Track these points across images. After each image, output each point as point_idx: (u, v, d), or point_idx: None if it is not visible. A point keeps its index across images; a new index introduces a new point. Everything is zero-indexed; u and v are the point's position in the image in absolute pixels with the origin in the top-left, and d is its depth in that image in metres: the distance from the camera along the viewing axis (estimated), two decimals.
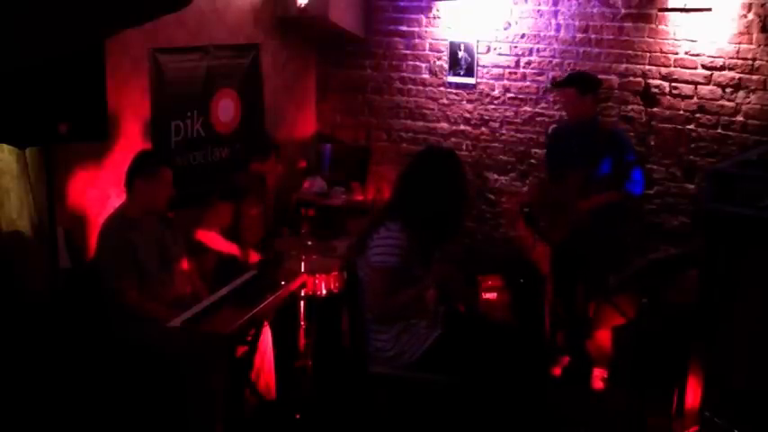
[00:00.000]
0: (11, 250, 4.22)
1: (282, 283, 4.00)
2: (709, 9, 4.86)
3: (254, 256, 4.69)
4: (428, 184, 3.44)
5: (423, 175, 3.49)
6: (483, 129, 6.03)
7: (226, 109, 5.82)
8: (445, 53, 6.07)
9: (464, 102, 6.07)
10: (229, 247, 4.71)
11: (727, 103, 4.93)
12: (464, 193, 3.66)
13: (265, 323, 4.11)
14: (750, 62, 4.79)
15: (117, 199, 4.58)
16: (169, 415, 3.76)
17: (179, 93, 5.43)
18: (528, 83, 5.76)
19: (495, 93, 5.91)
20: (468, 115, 6.08)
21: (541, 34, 5.62)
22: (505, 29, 5.76)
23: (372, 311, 3.46)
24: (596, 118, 4.80)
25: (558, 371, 4.70)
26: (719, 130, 4.98)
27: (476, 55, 5.91)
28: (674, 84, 5.12)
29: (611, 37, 5.32)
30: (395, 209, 3.50)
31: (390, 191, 3.81)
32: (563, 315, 4.88)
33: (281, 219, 5.45)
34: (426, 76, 6.22)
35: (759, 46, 4.74)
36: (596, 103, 4.84)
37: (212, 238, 4.71)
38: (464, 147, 6.10)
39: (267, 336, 4.17)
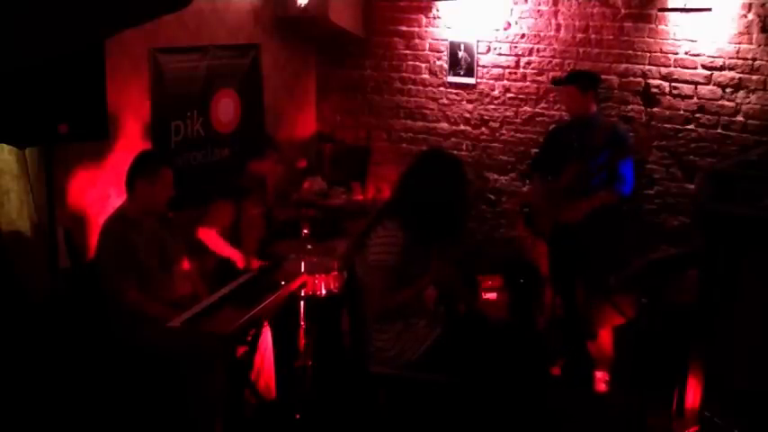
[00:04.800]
0: (11, 250, 4.23)
1: (282, 283, 4.00)
2: (710, 9, 4.86)
3: (256, 263, 4.67)
4: (429, 186, 3.43)
5: (424, 175, 3.48)
6: (483, 129, 6.03)
7: (226, 109, 5.82)
8: (445, 53, 6.07)
9: (464, 102, 6.07)
10: (231, 253, 4.69)
11: (727, 103, 4.93)
12: (465, 198, 3.65)
13: (265, 323, 4.11)
14: (750, 62, 4.79)
15: (117, 199, 4.57)
16: (169, 415, 3.76)
17: (179, 93, 5.43)
18: (528, 83, 5.76)
19: (495, 93, 5.91)
20: (468, 115, 6.07)
21: (541, 34, 5.61)
22: (505, 29, 5.76)
23: (371, 310, 3.47)
24: (598, 114, 4.82)
25: (557, 370, 4.71)
26: (719, 130, 4.98)
27: (476, 55, 5.91)
28: (674, 84, 5.12)
29: (611, 37, 5.32)
30: (394, 208, 3.50)
31: (390, 191, 3.81)
32: (562, 315, 4.89)
33: (281, 219, 5.44)
34: (426, 76, 6.22)
35: (759, 46, 4.74)
36: (597, 99, 4.85)
37: (213, 239, 4.70)
38: (464, 147, 6.10)
39: (267, 336, 4.17)
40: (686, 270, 4.13)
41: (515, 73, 5.80)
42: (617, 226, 4.84)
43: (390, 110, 6.45)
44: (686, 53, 5.04)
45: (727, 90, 4.91)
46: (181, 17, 5.16)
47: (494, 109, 5.94)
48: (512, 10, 5.70)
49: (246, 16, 5.93)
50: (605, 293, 4.54)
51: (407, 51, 6.28)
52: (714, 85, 4.97)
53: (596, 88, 4.82)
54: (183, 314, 3.53)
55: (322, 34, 6.39)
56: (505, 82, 5.85)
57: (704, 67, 4.98)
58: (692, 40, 4.99)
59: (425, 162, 3.58)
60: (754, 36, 4.74)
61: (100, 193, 4.94)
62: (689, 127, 5.11)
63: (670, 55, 5.10)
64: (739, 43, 4.81)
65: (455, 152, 5.84)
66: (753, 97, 4.82)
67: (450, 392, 3.35)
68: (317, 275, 4.37)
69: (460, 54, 5.98)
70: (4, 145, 4.10)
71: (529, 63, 5.72)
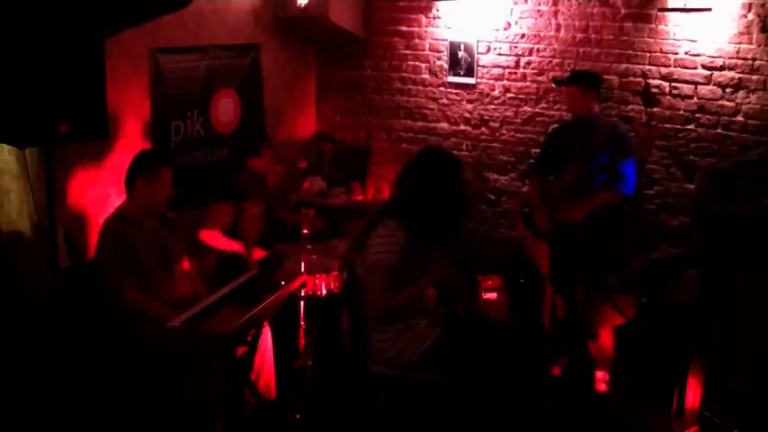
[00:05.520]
0: (11, 250, 4.23)
1: (282, 283, 4.00)
2: (710, 9, 4.86)
3: (258, 253, 4.69)
4: (426, 184, 3.43)
5: (421, 174, 3.48)
6: (483, 129, 6.03)
7: (226, 109, 5.82)
8: (445, 53, 6.07)
9: (464, 102, 6.07)
10: (233, 245, 4.71)
11: (727, 103, 4.93)
12: (462, 196, 3.65)
13: (265, 323, 4.11)
14: (750, 62, 4.79)
15: (117, 199, 4.58)
16: (169, 415, 3.76)
17: (179, 93, 5.43)
18: (528, 83, 5.76)
19: (495, 93, 5.91)
20: (468, 115, 6.07)
21: (541, 34, 5.61)
22: (505, 29, 5.76)
23: (371, 310, 3.46)
24: (599, 114, 4.82)
25: (557, 371, 4.70)
26: (719, 130, 4.98)
27: (476, 55, 5.91)
28: (674, 84, 5.12)
29: (611, 37, 5.32)
30: (394, 207, 3.49)
31: (390, 190, 3.81)
32: (563, 315, 4.88)
33: (281, 218, 5.45)
34: (426, 76, 6.22)
35: (759, 46, 4.74)
36: (599, 99, 4.85)
37: (215, 238, 4.71)
38: (464, 147, 6.10)
39: (267, 336, 4.17)
40: (686, 270, 4.13)
41: (515, 73, 5.80)
42: (617, 226, 4.84)
43: (390, 110, 6.45)
44: (686, 53, 5.04)
45: (727, 90, 4.91)
46: (181, 17, 5.16)
47: (494, 109, 5.94)
48: (512, 10, 5.70)
49: (246, 16, 5.93)
50: (605, 293, 4.54)
51: (407, 51, 6.28)
52: (714, 85, 4.97)
53: (598, 88, 4.81)
54: (183, 314, 3.53)
55: (322, 34, 6.39)
56: (505, 82, 5.85)
57: (704, 67, 4.98)
58: (692, 40, 4.99)
59: (422, 161, 3.58)
60: (754, 36, 4.74)
61: (100, 193, 4.94)
62: (689, 127, 5.11)
63: (670, 55, 5.10)
64: (739, 43, 4.81)
65: (455, 152, 5.84)
66: (753, 97, 4.82)
67: (450, 392, 3.35)
68: (317, 275, 4.37)
69: (460, 54, 5.98)
70: (4, 145, 4.10)
71: (529, 63, 5.72)
